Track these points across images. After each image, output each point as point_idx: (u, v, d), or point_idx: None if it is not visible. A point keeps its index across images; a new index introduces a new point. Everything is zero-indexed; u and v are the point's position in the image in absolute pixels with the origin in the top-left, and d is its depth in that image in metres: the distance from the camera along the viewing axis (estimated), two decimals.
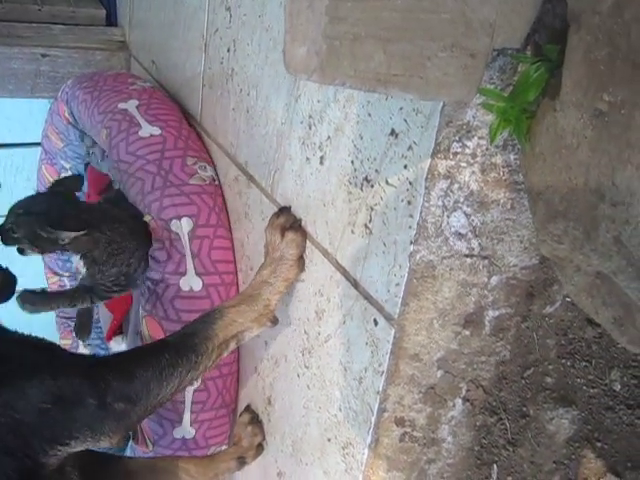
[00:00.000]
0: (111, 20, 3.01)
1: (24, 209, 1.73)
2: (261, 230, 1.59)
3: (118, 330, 2.45)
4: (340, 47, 0.74)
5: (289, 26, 0.78)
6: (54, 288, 2.59)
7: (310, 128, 1.37)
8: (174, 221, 1.72)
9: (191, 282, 1.70)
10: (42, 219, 1.68)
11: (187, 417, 1.75)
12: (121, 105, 1.96)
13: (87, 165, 2.49)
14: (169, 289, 1.70)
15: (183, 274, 1.70)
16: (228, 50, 1.75)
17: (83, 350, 2.46)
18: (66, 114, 2.25)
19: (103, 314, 2.56)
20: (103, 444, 1.23)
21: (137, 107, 1.94)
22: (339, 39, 0.74)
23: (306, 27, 0.75)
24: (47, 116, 2.43)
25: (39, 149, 2.52)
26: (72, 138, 2.35)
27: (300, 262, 1.43)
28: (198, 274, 1.71)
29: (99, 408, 1.20)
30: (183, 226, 1.71)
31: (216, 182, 1.84)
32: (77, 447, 1.21)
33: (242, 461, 1.73)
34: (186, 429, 1.77)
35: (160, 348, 1.34)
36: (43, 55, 2.73)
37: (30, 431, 1.15)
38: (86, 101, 2.07)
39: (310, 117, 1.37)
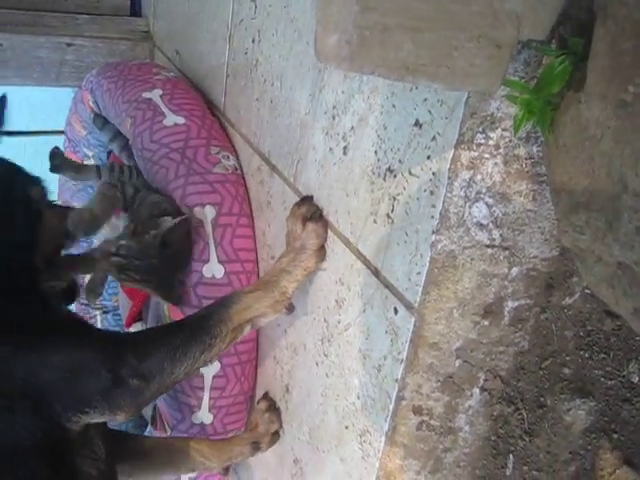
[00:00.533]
0: (135, 10, 3.03)
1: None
2: (283, 219, 1.61)
3: (138, 317, 2.47)
4: (370, 36, 0.76)
5: (320, 15, 0.79)
6: None
7: (334, 119, 1.38)
8: (197, 208, 1.74)
9: (214, 269, 1.72)
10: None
11: (206, 403, 1.77)
12: (145, 94, 1.98)
13: (110, 153, 2.52)
14: (192, 276, 1.72)
15: (206, 261, 1.72)
16: (253, 41, 1.77)
17: None
18: (90, 103, 2.27)
19: (123, 301, 2.58)
20: (119, 418, 1.26)
21: (161, 96, 1.96)
22: (369, 29, 0.76)
23: (337, 16, 0.77)
24: (71, 105, 2.46)
25: (63, 137, 2.55)
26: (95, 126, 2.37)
27: (321, 252, 1.45)
28: (221, 262, 1.72)
29: (114, 383, 1.23)
30: (207, 214, 1.73)
31: (239, 171, 1.86)
32: (96, 417, 1.25)
33: (256, 447, 1.75)
34: (204, 415, 1.79)
35: (175, 329, 1.37)
36: (68, 44, 2.76)
37: (53, 396, 1.19)
38: (110, 90, 2.09)
39: (334, 108, 1.38)
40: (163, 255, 1.65)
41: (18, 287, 1.36)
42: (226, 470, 1.75)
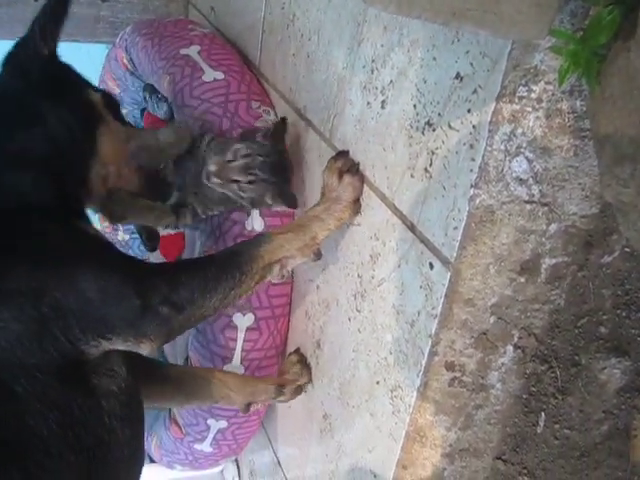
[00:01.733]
0: None
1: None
2: (318, 174, 1.61)
3: None
4: None
5: None
6: None
7: (372, 72, 1.37)
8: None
9: (254, 223, 1.73)
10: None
11: (238, 354, 1.79)
12: (183, 51, 1.97)
13: (143, 111, 2.52)
14: (234, 227, 1.74)
15: (249, 214, 1.73)
16: None
17: None
18: (125, 60, 2.27)
19: (155, 258, 2.60)
20: (144, 347, 1.25)
21: (199, 52, 1.95)
22: None
23: None
24: (104, 62, 2.46)
25: None
26: (129, 84, 2.37)
27: (355, 205, 1.44)
28: (262, 215, 1.73)
29: (143, 308, 1.22)
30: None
31: None
32: (118, 344, 1.23)
33: (280, 391, 1.76)
34: (236, 366, 1.81)
35: (207, 262, 1.37)
36: (103, 0, 2.75)
37: (73, 317, 1.17)
38: (147, 47, 2.09)
39: (373, 61, 1.37)
40: (277, 153, 1.65)
41: (62, 200, 1.35)
42: (247, 407, 1.76)
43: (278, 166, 1.64)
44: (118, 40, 2.30)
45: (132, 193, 1.55)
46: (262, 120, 1.81)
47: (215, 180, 1.61)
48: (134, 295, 1.22)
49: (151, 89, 2.30)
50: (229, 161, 1.61)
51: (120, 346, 1.24)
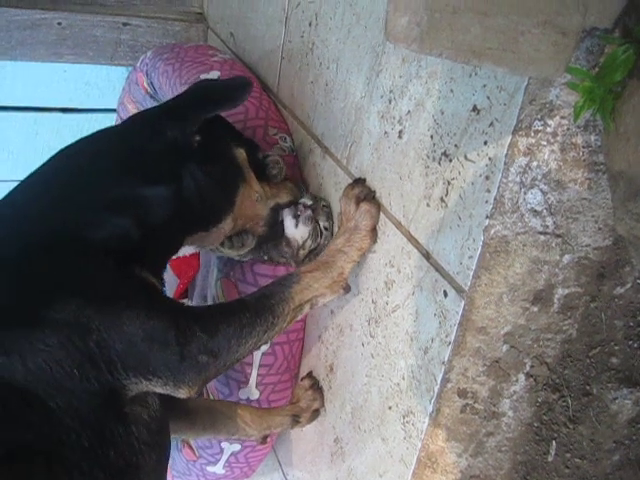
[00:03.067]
0: None
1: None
2: (334, 201, 1.63)
3: (184, 294, 2.52)
4: (440, 19, 0.77)
5: None
6: None
7: (390, 102, 1.40)
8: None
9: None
10: None
11: (253, 379, 1.80)
12: (203, 76, 1.99)
13: None
14: None
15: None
16: (310, 24, 1.79)
17: None
18: (145, 84, 2.30)
19: (169, 278, 2.63)
20: (182, 392, 1.27)
21: (219, 78, 1.98)
22: (439, 11, 0.77)
23: None
24: (125, 84, 2.49)
25: (115, 115, 2.59)
26: (148, 107, 2.40)
27: (373, 233, 1.47)
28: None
29: (183, 357, 1.25)
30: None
31: (294, 153, 1.88)
32: (157, 387, 1.26)
33: (296, 420, 1.79)
34: (251, 390, 1.82)
35: (241, 307, 1.38)
36: (124, 24, 2.80)
37: (117, 355, 1.21)
38: (167, 72, 2.12)
39: (391, 92, 1.39)
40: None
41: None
42: (264, 439, 1.78)
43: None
44: (139, 64, 2.33)
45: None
46: (277, 147, 1.84)
47: (308, 213, 1.66)
48: (175, 343, 1.25)
49: None
50: (324, 205, 1.70)
51: (159, 389, 1.27)
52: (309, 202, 1.67)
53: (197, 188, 1.43)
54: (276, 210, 1.65)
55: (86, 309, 1.21)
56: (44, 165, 1.43)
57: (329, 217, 1.68)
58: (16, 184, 1.40)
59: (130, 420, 1.25)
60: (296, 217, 1.64)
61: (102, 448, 1.18)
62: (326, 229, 1.67)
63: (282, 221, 1.66)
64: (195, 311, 1.38)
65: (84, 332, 1.19)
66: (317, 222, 1.65)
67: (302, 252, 1.67)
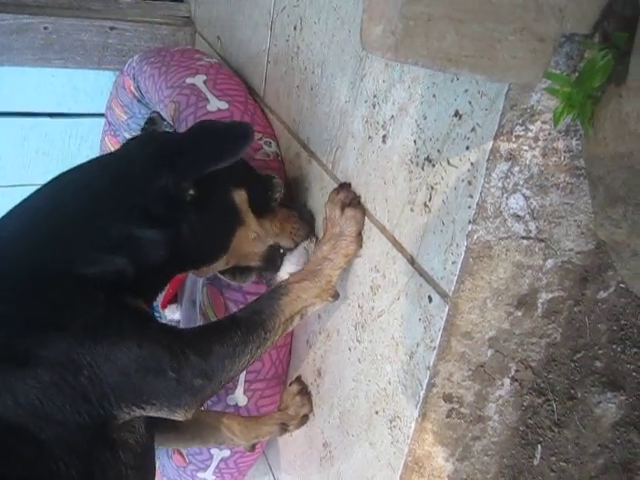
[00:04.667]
0: None
1: None
2: (320, 205, 1.63)
3: (173, 299, 2.51)
4: (415, 27, 0.77)
5: (367, 5, 0.81)
6: None
7: (374, 107, 1.40)
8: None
9: None
10: None
11: (241, 386, 1.80)
12: (189, 80, 1.99)
13: None
14: None
15: None
16: (294, 28, 1.79)
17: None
18: (132, 88, 2.30)
19: None
20: (178, 416, 1.28)
21: (205, 82, 1.98)
22: (414, 19, 0.77)
23: (383, 7, 0.78)
24: (112, 89, 2.49)
25: (103, 119, 2.59)
26: (136, 111, 2.40)
27: (359, 238, 1.46)
28: None
29: (178, 382, 1.25)
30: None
31: (279, 158, 1.88)
32: (151, 413, 1.27)
33: (284, 427, 1.79)
34: (239, 397, 1.81)
35: (232, 325, 1.37)
36: (111, 28, 2.79)
37: (110, 388, 1.21)
38: (154, 76, 2.11)
39: (375, 96, 1.39)
40: None
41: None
42: (252, 447, 1.78)
43: None
44: (126, 67, 2.33)
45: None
46: (262, 152, 1.83)
47: None
48: (170, 370, 1.25)
49: (156, 121, 2.33)
50: None
51: (153, 414, 1.28)
52: (311, 248, 1.67)
53: (192, 233, 1.42)
54: (274, 247, 1.64)
55: (77, 346, 1.21)
56: (35, 195, 1.41)
57: None
58: (4, 214, 1.38)
59: (117, 446, 1.26)
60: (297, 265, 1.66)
61: (90, 476, 1.20)
62: None
63: (282, 258, 1.67)
64: (187, 334, 1.37)
65: (76, 369, 1.20)
66: None
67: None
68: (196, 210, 1.42)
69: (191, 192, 1.40)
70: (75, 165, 1.47)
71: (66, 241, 1.32)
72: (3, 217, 1.38)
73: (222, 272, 1.65)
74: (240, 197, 1.52)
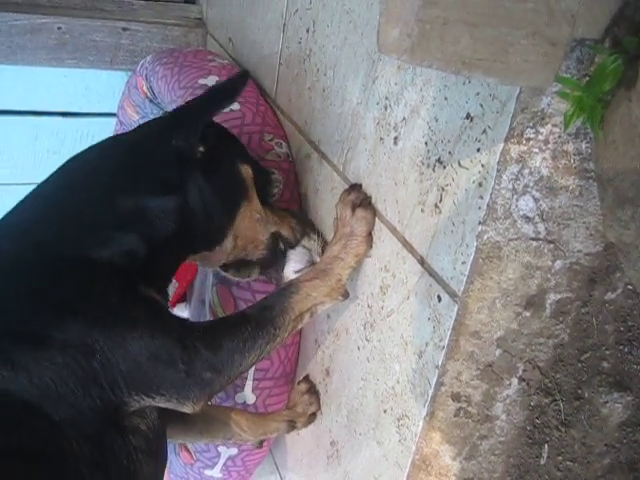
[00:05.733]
0: None
1: None
2: (330, 206, 1.65)
3: (182, 298, 2.53)
4: (430, 30, 0.79)
5: (384, 8, 0.83)
6: None
7: (386, 109, 1.42)
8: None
9: None
10: None
11: (249, 384, 1.81)
12: (201, 81, 2.01)
13: None
14: None
15: None
16: (307, 31, 1.80)
17: None
18: (144, 88, 2.32)
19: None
20: (186, 409, 1.30)
21: (216, 83, 2.00)
22: (430, 22, 0.79)
23: (400, 10, 0.80)
24: (124, 88, 2.51)
25: (114, 119, 2.61)
26: (148, 111, 2.42)
27: (369, 238, 1.48)
28: None
29: (187, 374, 1.27)
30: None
31: (290, 159, 1.90)
32: (160, 403, 1.28)
33: (292, 425, 1.80)
34: (248, 395, 1.83)
35: (242, 321, 1.39)
36: (124, 29, 2.81)
37: (121, 375, 1.23)
38: (166, 77, 2.13)
39: (386, 99, 1.41)
40: None
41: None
42: (260, 443, 1.80)
43: None
44: (139, 68, 2.35)
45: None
46: (273, 152, 1.85)
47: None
48: (180, 361, 1.26)
49: None
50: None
51: (162, 405, 1.29)
52: (312, 247, 1.67)
53: (200, 200, 1.44)
54: (276, 237, 1.65)
55: (91, 330, 1.22)
56: (49, 178, 1.43)
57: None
58: (20, 198, 1.41)
59: (129, 431, 1.27)
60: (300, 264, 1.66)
61: (102, 457, 1.21)
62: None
63: (284, 254, 1.67)
64: (198, 327, 1.39)
65: (89, 353, 1.21)
66: (314, 263, 1.67)
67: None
68: (204, 175, 1.44)
69: (201, 149, 1.44)
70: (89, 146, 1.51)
71: (78, 222, 1.35)
72: (19, 202, 1.40)
73: (226, 268, 1.66)
74: (246, 171, 1.55)
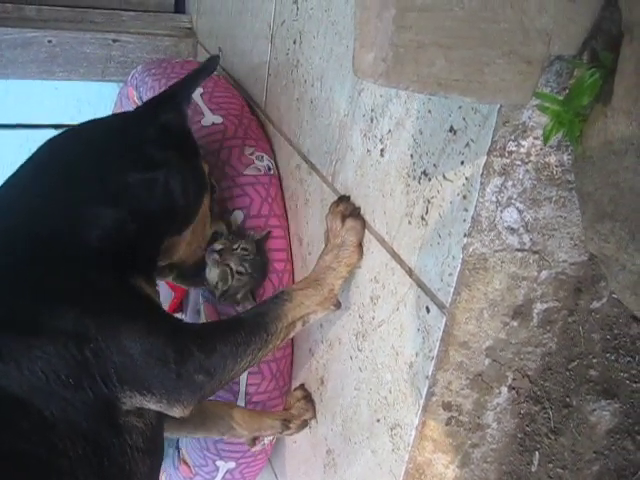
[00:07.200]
0: (179, 7, 3.09)
1: None
2: (321, 216, 1.66)
3: (178, 308, 2.54)
4: (405, 54, 0.80)
5: (358, 33, 0.84)
6: None
7: (372, 121, 1.43)
8: (225, 216, 1.81)
9: None
10: None
11: (242, 398, 1.82)
12: None
13: None
14: None
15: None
16: (294, 42, 1.81)
17: None
18: (135, 98, 2.32)
19: (164, 291, 2.64)
20: (176, 411, 1.29)
21: (201, 95, 2.00)
22: (404, 46, 0.80)
23: (374, 35, 0.81)
24: (116, 99, 2.52)
25: None
26: None
27: (360, 248, 1.49)
28: None
29: (179, 375, 1.27)
30: (233, 219, 1.81)
31: (271, 172, 1.90)
32: (151, 404, 1.28)
33: (286, 425, 1.80)
34: None
35: (236, 326, 1.40)
36: (114, 40, 2.82)
37: (113, 367, 1.23)
38: (154, 88, 2.13)
39: (372, 111, 1.42)
40: (262, 256, 1.78)
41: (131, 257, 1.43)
42: (253, 441, 1.80)
43: (262, 268, 1.78)
44: (130, 78, 2.35)
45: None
46: (252, 167, 1.86)
47: (215, 257, 1.70)
48: (172, 361, 1.27)
49: None
50: (233, 249, 1.71)
51: (153, 406, 1.29)
52: (218, 246, 1.71)
53: (179, 179, 1.50)
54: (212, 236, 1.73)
55: (84, 319, 1.23)
56: (31, 160, 1.47)
57: (244, 260, 1.71)
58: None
59: (124, 430, 1.27)
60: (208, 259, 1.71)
61: (96, 456, 1.21)
62: (240, 273, 1.71)
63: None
64: (192, 328, 1.40)
65: (81, 340, 1.21)
66: (228, 265, 1.70)
67: (216, 292, 1.74)
68: (178, 158, 1.52)
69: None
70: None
71: (67, 203, 1.37)
72: (4, 184, 1.43)
73: (173, 273, 1.71)
74: (205, 166, 1.66)
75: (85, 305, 1.25)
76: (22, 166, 1.45)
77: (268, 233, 1.80)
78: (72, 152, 1.47)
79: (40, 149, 1.48)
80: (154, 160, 1.46)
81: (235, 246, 1.71)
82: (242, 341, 1.36)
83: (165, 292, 2.62)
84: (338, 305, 1.51)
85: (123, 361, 1.24)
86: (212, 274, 1.72)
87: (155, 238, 1.49)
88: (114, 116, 1.60)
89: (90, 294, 1.27)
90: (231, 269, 1.70)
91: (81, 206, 1.36)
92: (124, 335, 1.25)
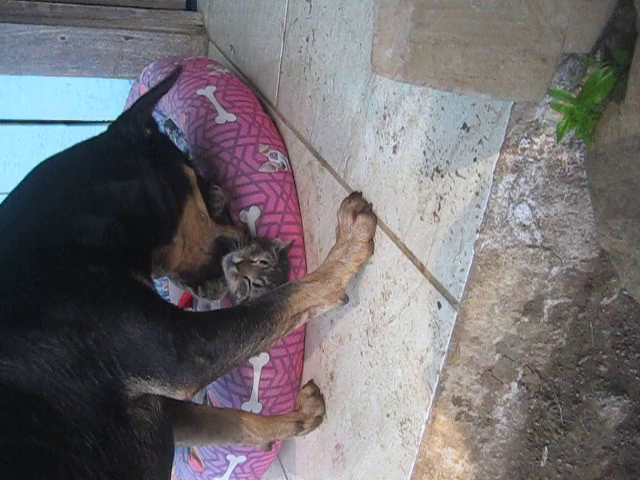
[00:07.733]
0: (191, 4, 3.10)
1: None
2: (332, 213, 1.67)
3: (188, 303, 2.55)
4: (423, 50, 0.82)
5: (377, 30, 0.85)
6: None
7: (385, 118, 1.44)
8: (242, 211, 1.82)
9: None
10: None
11: (255, 392, 1.84)
12: (199, 91, 2.03)
13: None
14: None
15: None
16: (307, 39, 1.83)
17: None
18: None
19: (173, 287, 2.66)
20: (179, 394, 1.31)
21: (214, 93, 2.01)
22: (422, 43, 0.81)
23: (393, 31, 0.82)
24: (128, 96, 2.53)
25: None
26: None
27: (371, 244, 1.50)
28: None
29: (180, 358, 1.29)
30: (250, 215, 1.82)
31: (285, 169, 1.92)
32: (155, 388, 1.30)
33: (300, 426, 1.82)
34: (254, 404, 1.85)
35: (239, 312, 1.42)
36: (126, 37, 2.84)
37: (116, 354, 1.25)
38: None
39: (385, 108, 1.43)
40: (283, 267, 1.79)
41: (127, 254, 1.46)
42: (269, 446, 1.82)
43: (282, 278, 1.78)
44: (142, 76, 2.37)
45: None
46: (267, 164, 1.88)
47: (233, 270, 1.72)
48: (173, 344, 1.29)
49: (172, 124, 2.37)
50: (251, 261, 1.73)
51: (157, 390, 1.31)
52: (237, 259, 1.72)
53: (156, 186, 1.55)
54: (220, 243, 1.75)
55: (85, 308, 1.25)
56: (26, 180, 1.52)
57: (262, 273, 1.73)
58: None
59: (132, 423, 1.29)
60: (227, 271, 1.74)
61: (105, 451, 1.22)
62: (258, 285, 1.73)
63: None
64: (193, 315, 1.42)
65: (83, 330, 1.24)
66: (246, 278, 1.72)
67: (236, 300, 1.75)
68: (154, 162, 1.59)
69: (148, 131, 1.62)
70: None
71: (59, 213, 1.42)
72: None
73: (189, 283, 1.76)
74: (189, 171, 1.71)
75: (85, 295, 1.28)
76: (18, 186, 1.52)
77: (292, 242, 1.82)
78: (62, 169, 1.55)
79: (34, 170, 1.56)
80: (128, 170, 1.53)
81: (255, 259, 1.72)
82: (245, 327, 1.38)
83: (175, 287, 2.64)
84: (345, 299, 1.52)
85: (125, 347, 1.26)
86: (231, 285, 1.74)
87: (145, 241, 1.53)
88: (93, 137, 1.69)
89: (90, 285, 1.30)
90: (249, 281, 1.72)
91: (73, 216, 1.42)
92: (125, 321, 1.27)
